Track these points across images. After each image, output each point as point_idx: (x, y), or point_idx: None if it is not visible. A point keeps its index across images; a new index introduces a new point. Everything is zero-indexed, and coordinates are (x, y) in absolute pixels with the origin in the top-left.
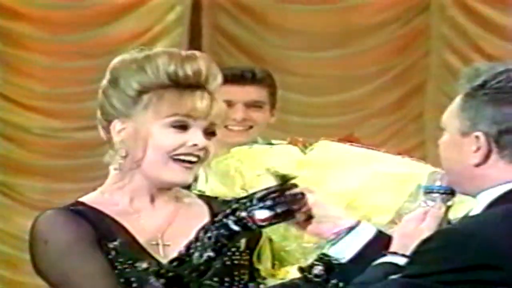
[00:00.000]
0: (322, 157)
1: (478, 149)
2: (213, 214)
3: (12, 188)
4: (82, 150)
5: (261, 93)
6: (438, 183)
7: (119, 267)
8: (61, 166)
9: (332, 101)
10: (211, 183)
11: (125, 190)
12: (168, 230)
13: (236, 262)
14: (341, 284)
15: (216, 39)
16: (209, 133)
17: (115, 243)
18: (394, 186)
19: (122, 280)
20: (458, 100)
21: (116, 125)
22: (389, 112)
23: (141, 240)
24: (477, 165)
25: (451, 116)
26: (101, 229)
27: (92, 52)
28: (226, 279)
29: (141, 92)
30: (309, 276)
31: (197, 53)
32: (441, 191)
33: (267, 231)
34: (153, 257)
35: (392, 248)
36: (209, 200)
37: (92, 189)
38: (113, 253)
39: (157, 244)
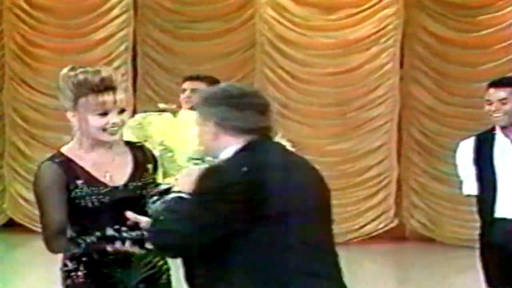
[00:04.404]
0: (183, 119)
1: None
2: (133, 152)
3: (37, 135)
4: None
5: (199, 85)
6: (197, 155)
7: (84, 194)
8: (60, 125)
9: None
10: (126, 135)
11: (83, 146)
12: (111, 166)
13: (148, 181)
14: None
15: (146, 61)
16: (121, 111)
17: (81, 180)
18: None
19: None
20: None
21: (69, 114)
22: None
23: (96, 174)
24: (214, 140)
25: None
26: (71, 173)
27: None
28: (144, 192)
29: (75, 98)
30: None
31: (101, 68)
32: (202, 159)
33: (163, 163)
34: (105, 184)
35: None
36: (130, 144)
37: (68, 138)
38: (80, 186)
39: (105, 176)
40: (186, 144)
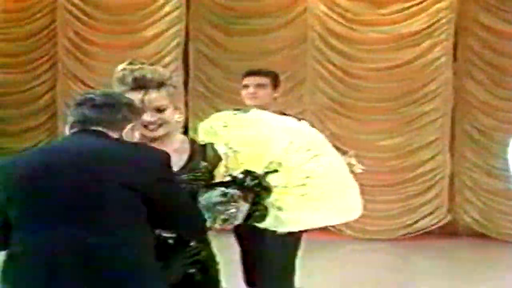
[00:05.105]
0: (251, 118)
1: None
2: (191, 148)
3: None
4: None
5: (264, 80)
6: None
7: None
8: None
9: None
10: (200, 136)
11: (128, 138)
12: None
13: (198, 178)
14: (250, 181)
15: (197, 57)
16: (160, 110)
17: None
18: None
19: None
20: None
21: None
22: (286, 94)
23: None
24: None
25: None
26: None
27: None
28: (189, 186)
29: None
30: (236, 177)
31: (138, 67)
32: None
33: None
34: None
35: None
36: (193, 142)
37: None
38: None
39: None
40: (250, 143)
